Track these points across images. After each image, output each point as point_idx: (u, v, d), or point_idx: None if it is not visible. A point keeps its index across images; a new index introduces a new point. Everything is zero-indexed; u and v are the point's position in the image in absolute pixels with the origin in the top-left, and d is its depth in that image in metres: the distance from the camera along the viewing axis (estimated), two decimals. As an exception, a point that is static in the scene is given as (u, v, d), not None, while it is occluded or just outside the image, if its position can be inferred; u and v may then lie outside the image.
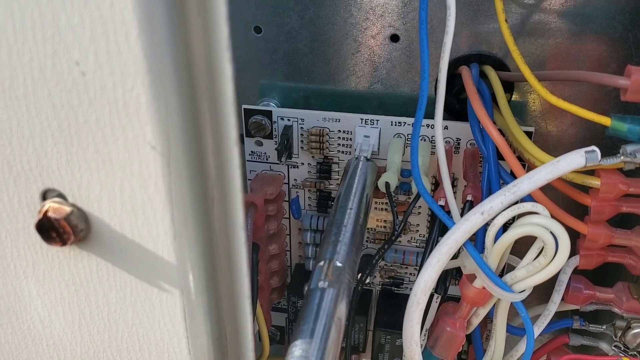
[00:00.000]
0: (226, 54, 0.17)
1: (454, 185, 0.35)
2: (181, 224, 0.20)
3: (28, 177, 0.20)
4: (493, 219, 0.26)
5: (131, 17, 0.17)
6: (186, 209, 0.20)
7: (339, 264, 0.26)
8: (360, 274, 0.34)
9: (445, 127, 0.34)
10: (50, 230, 0.20)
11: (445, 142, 0.35)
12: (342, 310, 0.24)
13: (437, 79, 0.33)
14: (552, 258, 0.25)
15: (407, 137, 0.35)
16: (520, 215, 0.27)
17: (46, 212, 0.20)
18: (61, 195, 0.20)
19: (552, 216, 0.27)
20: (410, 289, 0.39)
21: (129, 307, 0.22)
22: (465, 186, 0.32)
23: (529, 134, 0.33)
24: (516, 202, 0.26)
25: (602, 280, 0.32)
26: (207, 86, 0.18)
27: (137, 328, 0.23)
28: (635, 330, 0.30)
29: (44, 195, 0.20)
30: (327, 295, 0.24)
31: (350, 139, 0.36)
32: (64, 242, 0.20)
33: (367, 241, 0.40)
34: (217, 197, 0.21)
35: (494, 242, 0.26)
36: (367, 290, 0.41)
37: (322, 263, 0.26)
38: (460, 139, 0.35)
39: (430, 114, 0.31)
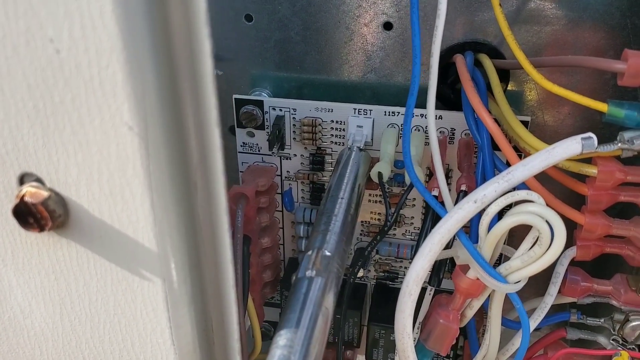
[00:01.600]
0: (204, 29, 0.17)
1: (448, 176, 0.35)
2: (161, 209, 0.19)
3: (4, 161, 0.20)
4: (487, 207, 0.25)
5: (105, -9, 0.16)
6: (166, 193, 0.19)
7: (327, 253, 0.25)
8: (353, 267, 0.33)
9: (440, 117, 0.34)
10: (27, 215, 0.19)
11: (440, 132, 0.34)
12: (329, 299, 0.24)
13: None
14: (548, 247, 0.25)
15: (400, 128, 0.34)
16: (516, 205, 0.26)
17: (23, 196, 0.19)
18: (39, 180, 0.20)
19: (548, 206, 0.26)
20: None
21: (110, 296, 0.21)
22: (459, 176, 0.31)
23: (525, 124, 0.32)
24: (510, 190, 0.25)
25: (599, 272, 0.31)
26: (186, 64, 0.18)
27: (119, 318, 0.22)
28: (634, 323, 0.29)
29: (21, 180, 0.20)
30: (314, 284, 0.24)
31: (344, 130, 0.35)
32: (41, 228, 0.19)
33: (361, 234, 0.39)
34: (200, 182, 0.20)
35: (488, 232, 0.26)
36: (362, 285, 0.40)
37: (310, 252, 0.25)
38: (455, 129, 0.34)
39: (424, 104, 0.30)
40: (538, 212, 0.25)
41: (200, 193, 0.20)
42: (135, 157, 0.18)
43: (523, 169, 0.25)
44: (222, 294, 0.22)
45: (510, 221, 0.25)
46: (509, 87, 0.34)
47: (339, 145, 0.36)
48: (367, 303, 0.40)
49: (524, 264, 0.25)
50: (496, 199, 0.25)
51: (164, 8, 0.17)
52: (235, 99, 0.35)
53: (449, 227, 0.25)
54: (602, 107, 0.26)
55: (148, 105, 0.18)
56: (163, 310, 0.21)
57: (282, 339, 0.21)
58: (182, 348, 0.22)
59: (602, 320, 0.31)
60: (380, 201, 0.37)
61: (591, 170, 0.27)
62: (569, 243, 0.30)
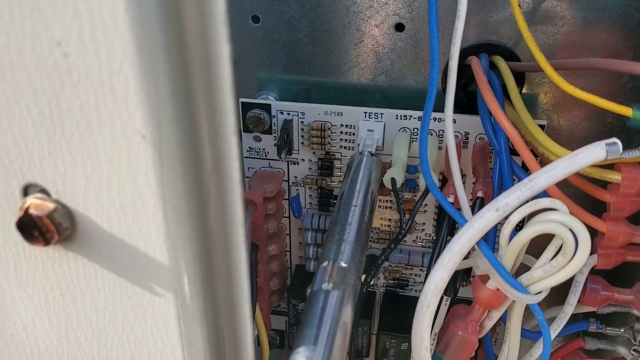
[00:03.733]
0: (223, 31, 0.16)
1: (462, 182, 0.34)
2: (175, 222, 0.18)
3: (7, 171, 0.19)
4: (508, 216, 0.24)
5: (118, -9, 0.15)
6: (180, 204, 0.18)
7: (343, 265, 0.24)
8: (364, 275, 0.32)
9: (454, 121, 0.33)
10: (32, 228, 0.18)
11: (454, 136, 0.33)
12: (347, 313, 0.23)
13: (445, 69, 0.32)
14: (572, 257, 0.24)
15: (413, 131, 0.33)
16: (534, 213, 0.25)
17: (27, 209, 0.18)
18: (44, 191, 0.19)
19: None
20: (416, 290, 0.38)
21: (118, 312, 0.20)
22: (474, 182, 0.30)
23: (541, 128, 0.31)
24: (532, 198, 0.25)
25: (619, 281, 0.30)
26: (202, 68, 0.17)
27: (127, 334, 0.21)
28: (656, 333, 0.28)
29: (26, 191, 0.19)
30: (331, 297, 0.23)
31: (353, 134, 0.34)
32: (47, 242, 0.18)
33: (370, 241, 0.38)
34: (214, 192, 0.19)
35: (509, 241, 0.25)
36: (371, 292, 0.39)
37: (325, 263, 0.24)
38: (468, 133, 0.33)
39: (437, 107, 0.29)
40: (562, 221, 0.24)
41: (213, 203, 0.19)
42: (148, 166, 0.17)
43: (546, 176, 0.24)
44: (236, 309, 0.21)
45: (533, 230, 0.24)
46: (523, 90, 0.33)
47: (349, 149, 0.35)
48: (376, 311, 0.39)
49: (547, 274, 0.25)
50: (518, 207, 0.24)
51: (179, 9, 0.16)
52: (241, 102, 0.34)
53: (469, 237, 0.24)
54: (626, 111, 0.25)
55: (162, 113, 0.17)
56: (175, 326, 0.20)
57: (301, 357, 0.20)
58: (194, 366, 0.21)
59: (622, 330, 0.30)
60: (390, 207, 0.36)
61: (615, 176, 0.26)
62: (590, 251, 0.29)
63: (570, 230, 0.24)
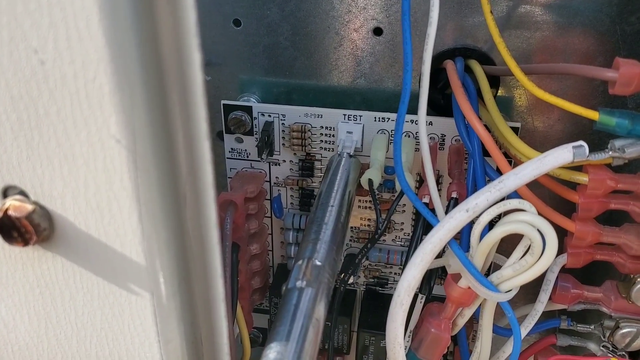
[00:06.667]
0: (194, 41, 0.16)
1: (438, 183, 0.34)
2: (150, 223, 0.19)
3: (-13, 174, 0.19)
4: (478, 216, 0.25)
5: (92, 1, 0.15)
6: (155, 206, 0.19)
7: (318, 263, 0.25)
8: (343, 274, 0.33)
9: (430, 123, 0.34)
10: (11, 229, 0.19)
11: (430, 138, 0.34)
12: (320, 310, 0.23)
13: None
14: (540, 256, 0.25)
15: (390, 133, 0.34)
16: (506, 213, 0.26)
17: (6, 210, 0.19)
18: (22, 193, 0.19)
19: (539, 214, 0.26)
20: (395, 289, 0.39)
21: (97, 310, 0.21)
22: (450, 183, 0.31)
23: (515, 130, 0.32)
24: (502, 199, 0.25)
25: (589, 279, 0.31)
26: (175, 76, 0.17)
27: (106, 332, 0.21)
28: (624, 330, 0.29)
29: (5, 193, 0.19)
30: (304, 295, 0.23)
31: (333, 136, 0.35)
32: (26, 242, 0.19)
33: (350, 240, 0.39)
34: (190, 195, 0.20)
35: (480, 241, 0.25)
36: (351, 291, 0.40)
37: (300, 262, 0.25)
38: (445, 135, 0.34)
39: (414, 109, 0.30)
40: (530, 221, 0.24)
41: (189, 205, 0.20)
42: (123, 170, 0.18)
43: (515, 178, 0.25)
44: (212, 307, 0.22)
45: (502, 230, 0.25)
46: (499, 93, 0.34)
47: (329, 151, 0.35)
48: (356, 309, 0.40)
49: (516, 273, 0.25)
50: (488, 207, 0.25)
51: (152, 19, 0.16)
52: (223, 104, 0.35)
53: (440, 237, 0.25)
54: (593, 115, 0.26)
55: (136, 118, 0.17)
56: (151, 324, 0.21)
57: (273, 352, 0.21)
58: (171, 362, 0.22)
59: (592, 327, 0.31)
60: (370, 207, 0.37)
61: (582, 178, 0.27)
62: (560, 250, 0.30)
63: (539, 230, 0.25)
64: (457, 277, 0.27)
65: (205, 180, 0.19)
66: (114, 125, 0.17)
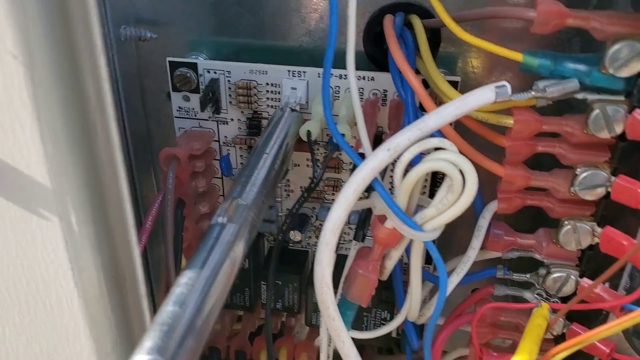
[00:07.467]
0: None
1: (381, 139, 0.35)
2: (53, 144, 0.19)
3: None
4: (400, 155, 0.25)
5: None
6: (57, 126, 0.19)
7: (242, 202, 0.25)
8: (283, 228, 0.33)
9: (372, 79, 0.34)
10: None
11: (372, 94, 0.34)
12: (240, 246, 0.24)
13: (365, 28, 0.33)
14: (460, 194, 0.25)
15: (334, 89, 0.34)
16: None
17: None
18: None
19: (470, 159, 0.26)
20: (346, 248, 0.39)
21: (10, 236, 0.21)
22: (386, 135, 0.31)
23: (454, 84, 0.32)
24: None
25: (525, 229, 0.32)
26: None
27: (21, 260, 0.22)
28: (555, 275, 0.30)
29: None
30: (226, 230, 0.24)
31: (279, 93, 0.35)
32: None
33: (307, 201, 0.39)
34: (100, 124, 0.20)
35: (402, 180, 0.26)
36: (303, 251, 0.40)
37: (226, 202, 0.25)
38: (387, 91, 0.34)
39: (359, 65, 0.30)
40: (450, 159, 0.25)
41: (100, 135, 0.20)
42: (22, 86, 0.18)
43: (437, 117, 0.25)
44: (127, 241, 0.22)
45: (422, 168, 0.25)
46: (447, 50, 0.34)
47: (275, 108, 0.36)
48: (308, 269, 0.40)
49: (438, 212, 0.26)
50: (409, 147, 0.25)
51: None
52: (169, 61, 0.35)
53: (363, 176, 0.26)
54: (517, 56, 0.26)
55: (33, 34, 0.18)
56: (63, 251, 0.21)
57: (185, 277, 0.21)
58: (87, 292, 0.22)
59: (528, 275, 0.32)
60: (328, 167, 0.37)
61: (509, 121, 0.27)
62: (492, 197, 0.30)
63: (460, 170, 0.25)
64: (383, 218, 0.27)
65: (109, 114, 0.19)
66: (9, 41, 0.17)
